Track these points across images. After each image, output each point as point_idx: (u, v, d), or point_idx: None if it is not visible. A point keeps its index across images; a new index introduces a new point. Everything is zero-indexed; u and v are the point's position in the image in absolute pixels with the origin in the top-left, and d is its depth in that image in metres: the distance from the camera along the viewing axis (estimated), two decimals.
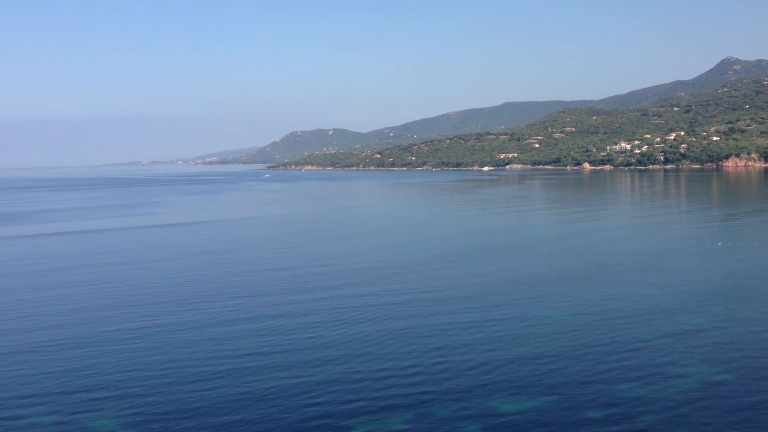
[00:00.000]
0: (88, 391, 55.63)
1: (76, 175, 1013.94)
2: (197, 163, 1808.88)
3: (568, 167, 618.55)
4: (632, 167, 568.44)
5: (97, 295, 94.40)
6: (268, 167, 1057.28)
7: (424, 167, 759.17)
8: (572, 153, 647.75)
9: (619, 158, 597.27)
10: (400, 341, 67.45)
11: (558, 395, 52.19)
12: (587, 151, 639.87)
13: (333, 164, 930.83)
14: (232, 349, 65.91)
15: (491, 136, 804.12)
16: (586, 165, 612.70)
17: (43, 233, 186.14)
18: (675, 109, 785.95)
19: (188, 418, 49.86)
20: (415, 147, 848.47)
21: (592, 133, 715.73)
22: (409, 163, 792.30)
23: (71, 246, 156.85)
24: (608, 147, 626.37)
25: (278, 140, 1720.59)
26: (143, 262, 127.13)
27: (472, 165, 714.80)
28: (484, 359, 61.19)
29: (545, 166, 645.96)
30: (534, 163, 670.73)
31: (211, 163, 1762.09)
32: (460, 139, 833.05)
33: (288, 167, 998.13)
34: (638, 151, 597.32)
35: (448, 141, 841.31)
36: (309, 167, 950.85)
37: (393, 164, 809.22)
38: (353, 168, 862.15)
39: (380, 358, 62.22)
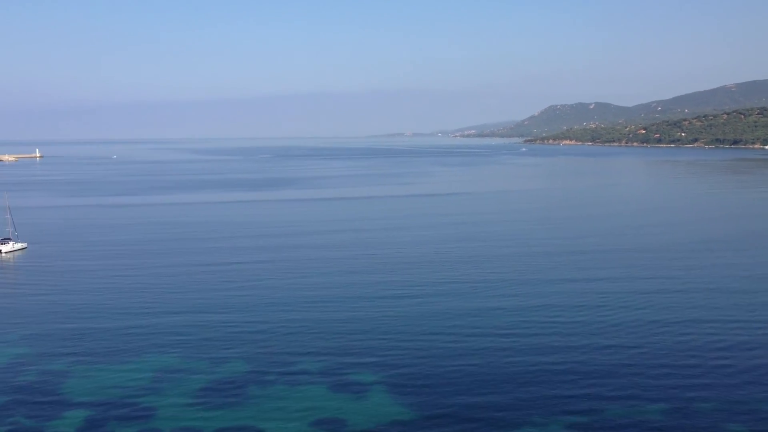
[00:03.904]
0: (352, 348, 60.36)
1: (345, 145, 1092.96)
2: (455, 136, 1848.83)
3: None
4: None
5: (358, 260, 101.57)
6: (525, 141, 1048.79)
7: (695, 144, 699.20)
8: None
9: None
10: (666, 331, 63.59)
11: None
12: None
13: (593, 139, 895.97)
14: (488, 326, 66.23)
15: None
16: None
17: (314, 198, 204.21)
18: None
19: (437, 389, 51.97)
20: (686, 122, 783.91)
21: None
22: (678, 140, 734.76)
23: (338, 211, 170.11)
24: None
25: (537, 114, 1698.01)
26: (400, 229, 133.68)
27: (753, 143, 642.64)
28: (752, 357, 55.56)
29: None
30: None
31: (469, 135, 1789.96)
32: (740, 113, 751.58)
33: (545, 141, 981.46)
34: None
35: (725, 116, 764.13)
36: (567, 142, 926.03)
37: (659, 141, 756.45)
38: (614, 144, 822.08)
39: (643, 346, 59.17)
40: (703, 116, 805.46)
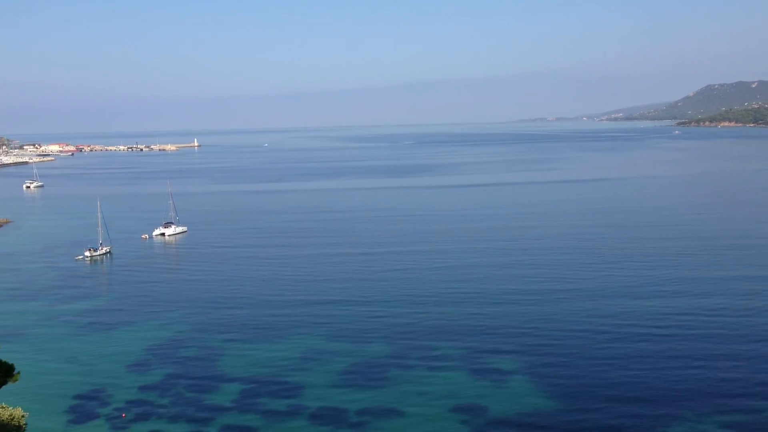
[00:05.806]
0: (493, 339, 59.97)
1: (486, 130, 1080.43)
2: (602, 120, 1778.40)
3: None
4: None
5: (501, 250, 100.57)
6: (678, 124, 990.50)
7: None
8: None
9: None
10: None
11: None
12: None
13: (755, 121, 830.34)
14: (641, 326, 62.01)
15: None
16: None
17: (456, 185, 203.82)
18: None
19: (582, 388, 50.62)
20: None
21: None
22: None
23: (479, 198, 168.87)
24: None
25: (691, 95, 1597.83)
26: (544, 217, 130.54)
27: None
28: None
29: None
30: None
31: (616, 119, 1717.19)
32: None
33: (701, 124, 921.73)
34: None
35: None
36: (725, 124, 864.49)
37: None
38: None
39: None
40: None
